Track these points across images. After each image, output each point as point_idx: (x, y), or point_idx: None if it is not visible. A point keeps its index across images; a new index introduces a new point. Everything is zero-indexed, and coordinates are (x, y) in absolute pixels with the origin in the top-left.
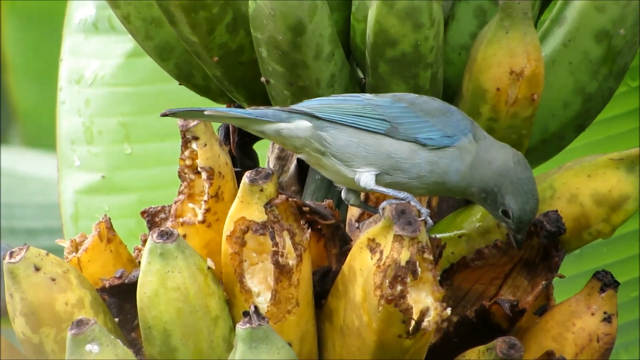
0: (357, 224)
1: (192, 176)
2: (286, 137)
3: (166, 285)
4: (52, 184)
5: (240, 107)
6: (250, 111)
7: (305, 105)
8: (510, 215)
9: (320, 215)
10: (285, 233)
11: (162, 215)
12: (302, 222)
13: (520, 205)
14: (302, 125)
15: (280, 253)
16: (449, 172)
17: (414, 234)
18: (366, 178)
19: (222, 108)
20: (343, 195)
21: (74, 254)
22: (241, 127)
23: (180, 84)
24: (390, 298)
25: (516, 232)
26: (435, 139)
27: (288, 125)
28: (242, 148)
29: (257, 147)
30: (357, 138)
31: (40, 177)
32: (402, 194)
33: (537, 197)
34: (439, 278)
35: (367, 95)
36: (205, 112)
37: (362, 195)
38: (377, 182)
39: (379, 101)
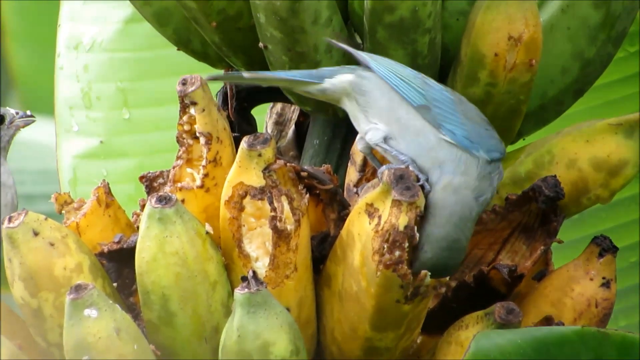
0: (355, 189)
1: (191, 141)
2: (332, 93)
3: (164, 250)
4: (51, 150)
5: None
6: (294, 73)
7: (369, 55)
8: None
9: (318, 180)
10: (283, 198)
11: (161, 180)
12: (300, 187)
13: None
14: (345, 78)
15: (278, 218)
16: (445, 166)
17: (412, 199)
18: (374, 133)
19: (267, 72)
20: (357, 139)
21: (72, 218)
22: (284, 88)
23: (178, 50)
24: (388, 263)
25: None
26: (457, 135)
27: (332, 81)
28: (240, 113)
29: (255, 112)
30: (387, 97)
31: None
32: (402, 157)
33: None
34: None
35: (430, 79)
36: (245, 75)
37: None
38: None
39: (432, 82)
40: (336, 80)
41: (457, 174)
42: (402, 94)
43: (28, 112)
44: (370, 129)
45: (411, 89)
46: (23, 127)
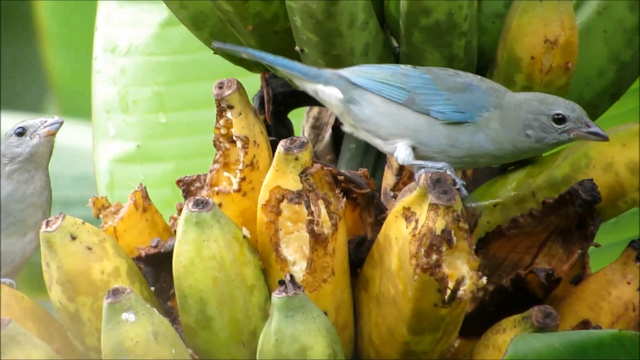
0: (392, 193)
1: (227, 145)
2: (322, 99)
3: (202, 254)
4: (88, 154)
5: (275, 76)
6: (293, 64)
7: (347, 69)
8: (565, 116)
9: (355, 184)
10: (320, 202)
11: (198, 184)
12: (337, 190)
13: (560, 104)
14: (334, 93)
15: (315, 222)
16: (475, 146)
17: (449, 202)
18: (404, 154)
19: (268, 54)
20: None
21: (109, 222)
22: (287, 77)
23: (214, 53)
24: (425, 267)
25: (582, 127)
26: (447, 114)
27: (324, 88)
28: (277, 117)
29: (292, 116)
30: (380, 108)
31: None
32: (439, 164)
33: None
34: (474, 247)
35: (405, 66)
36: (247, 53)
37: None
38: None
39: (408, 71)
40: (327, 90)
41: (493, 133)
42: (387, 96)
43: (55, 118)
44: (396, 152)
45: (393, 88)
46: (52, 133)
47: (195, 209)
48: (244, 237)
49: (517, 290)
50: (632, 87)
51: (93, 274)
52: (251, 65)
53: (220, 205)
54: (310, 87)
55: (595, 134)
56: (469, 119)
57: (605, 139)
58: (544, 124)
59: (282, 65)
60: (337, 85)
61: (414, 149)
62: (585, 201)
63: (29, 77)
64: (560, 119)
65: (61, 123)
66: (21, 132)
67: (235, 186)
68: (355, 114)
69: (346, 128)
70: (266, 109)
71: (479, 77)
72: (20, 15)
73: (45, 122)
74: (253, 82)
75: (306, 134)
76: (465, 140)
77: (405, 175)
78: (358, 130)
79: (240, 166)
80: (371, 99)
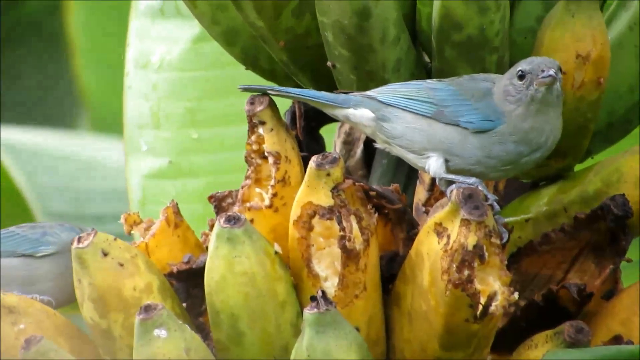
0: (424, 208)
1: (259, 161)
2: (354, 122)
3: (234, 270)
4: (120, 169)
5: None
6: (321, 94)
7: (373, 90)
8: (523, 70)
9: (387, 200)
10: (352, 217)
11: (229, 200)
12: (369, 206)
13: (529, 59)
14: (366, 114)
15: (347, 237)
16: (511, 151)
17: (480, 218)
18: (435, 167)
19: (294, 89)
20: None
21: (141, 238)
22: (317, 107)
23: (246, 69)
24: (457, 282)
25: (539, 75)
26: (475, 122)
27: (355, 112)
28: (308, 132)
29: (323, 131)
30: (411, 124)
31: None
32: (471, 179)
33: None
34: (506, 262)
35: (431, 80)
36: (274, 90)
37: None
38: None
39: (435, 84)
40: (358, 113)
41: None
42: (416, 112)
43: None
44: (428, 165)
45: (420, 103)
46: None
47: (227, 225)
48: (276, 253)
49: (549, 305)
50: None
51: (125, 291)
52: (282, 81)
53: (252, 221)
54: (340, 114)
55: (545, 77)
56: (497, 126)
57: (552, 78)
58: (514, 85)
59: (310, 96)
60: (367, 106)
61: (447, 161)
62: (617, 216)
63: (61, 93)
64: (521, 76)
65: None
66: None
67: (267, 202)
68: (388, 131)
69: (379, 145)
70: (298, 125)
71: (492, 76)
72: (52, 30)
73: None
74: (285, 98)
75: (338, 150)
76: (499, 149)
77: (437, 190)
78: (392, 146)
79: (272, 182)
80: (401, 115)
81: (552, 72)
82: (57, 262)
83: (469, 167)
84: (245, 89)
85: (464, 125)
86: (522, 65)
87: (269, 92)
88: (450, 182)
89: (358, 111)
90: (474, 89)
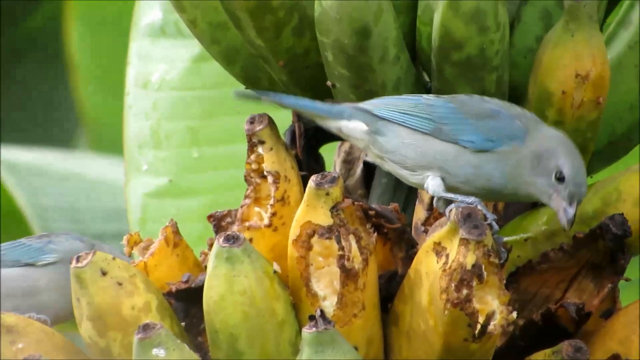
0: (423, 228)
1: (258, 180)
2: (347, 135)
3: (233, 289)
4: (120, 188)
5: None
6: (314, 104)
7: (368, 102)
8: (564, 176)
9: (386, 219)
10: (351, 237)
11: (229, 220)
12: (368, 225)
13: (573, 165)
14: (359, 127)
15: (346, 257)
16: (493, 177)
17: (479, 237)
18: (434, 185)
19: (288, 96)
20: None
21: (139, 257)
22: (310, 118)
23: (246, 88)
24: (456, 302)
25: (569, 200)
26: (476, 142)
27: (348, 124)
28: (308, 152)
29: (323, 150)
30: (406, 139)
31: (108, 181)
32: (470, 199)
33: (585, 172)
34: (504, 281)
35: (428, 96)
36: (263, 97)
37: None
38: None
39: (434, 101)
40: (351, 125)
41: (509, 167)
42: (413, 127)
43: None
44: (427, 184)
45: (417, 119)
46: None
47: (226, 244)
48: (275, 272)
49: (547, 324)
50: None
51: (123, 310)
52: None
53: (251, 240)
54: (333, 125)
55: (566, 215)
56: (497, 147)
57: (569, 224)
58: (547, 178)
59: (303, 106)
60: (361, 119)
61: (442, 179)
62: (616, 235)
63: (61, 112)
64: (559, 175)
65: None
66: None
67: (266, 221)
68: (382, 144)
69: (370, 158)
70: (297, 144)
71: (507, 103)
72: (52, 50)
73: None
74: (284, 117)
75: (337, 169)
76: (490, 168)
77: (436, 210)
78: (384, 161)
79: (272, 201)
80: (397, 130)
81: (570, 211)
82: (59, 271)
83: (458, 185)
84: (240, 95)
85: (462, 143)
86: (568, 170)
87: (263, 98)
88: (448, 202)
89: (351, 123)
90: (477, 108)
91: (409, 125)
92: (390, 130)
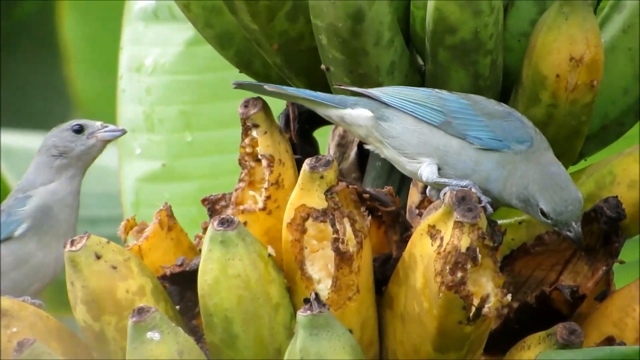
0: (417, 211)
1: (253, 164)
2: (349, 123)
3: (227, 272)
4: (113, 173)
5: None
6: (317, 94)
7: (377, 89)
8: (546, 214)
9: (380, 202)
10: (345, 220)
11: (223, 203)
12: (362, 209)
13: (549, 200)
14: (363, 114)
15: (340, 240)
16: (490, 177)
17: (474, 220)
18: (426, 170)
19: (290, 87)
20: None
21: (134, 241)
22: (312, 107)
23: (240, 72)
24: (450, 284)
25: (564, 229)
26: (484, 139)
27: (351, 112)
28: (302, 135)
29: (317, 134)
30: (412, 127)
31: (102, 166)
32: (464, 182)
33: (571, 190)
34: (499, 264)
35: (441, 90)
36: (268, 88)
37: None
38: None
39: (445, 95)
40: (355, 113)
41: (505, 173)
42: (421, 117)
43: (118, 127)
44: (420, 170)
45: (428, 110)
46: (108, 140)
47: (221, 228)
48: (269, 255)
49: (541, 307)
50: None
51: (118, 293)
52: (276, 84)
53: (245, 223)
54: (335, 114)
55: (571, 238)
56: (504, 148)
57: (578, 245)
58: (530, 201)
59: (306, 96)
60: (366, 106)
61: (439, 169)
62: (610, 218)
63: (54, 97)
64: (542, 212)
65: (123, 132)
66: (78, 130)
67: (260, 205)
68: (385, 129)
69: (370, 146)
70: (292, 128)
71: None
72: (45, 35)
73: (107, 127)
74: (278, 101)
75: (332, 152)
76: (488, 167)
77: None
78: (384, 146)
79: (266, 185)
80: (404, 118)
81: (571, 235)
82: (38, 229)
83: (455, 177)
84: (240, 85)
85: (470, 139)
86: (553, 205)
87: (265, 88)
88: (439, 189)
89: (355, 111)
90: (490, 108)
91: (417, 115)
92: (396, 117)
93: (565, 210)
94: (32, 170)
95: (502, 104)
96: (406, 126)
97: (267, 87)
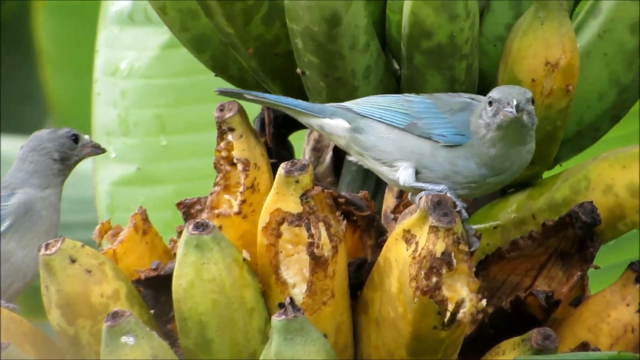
0: (392, 215)
1: (228, 167)
2: (329, 133)
3: (202, 276)
4: (88, 178)
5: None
6: (298, 102)
7: (352, 101)
8: (492, 98)
9: (355, 207)
10: (320, 224)
11: (198, 207)
12: (337, 213)
13: (497, 89)
14: (341, 124)
15: (315, 244)
16: (471, 169)
17: (449, 225)
18: (405, 175)
19: (271, 95)
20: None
21: (109, 245)
22: (292, 115)
23: (216, 76)
24: (425, 289)
25: (506, 107)
26: (447, 136)
27: (330, 121)
28: (277, 139)
29: (293, 138)
30: (385, 134)
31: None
32: (439, 187)
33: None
34: (474, 269)
35: (410, 94)
36: (249, 96)
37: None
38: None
39: (413, 97)
40: (333, 122)
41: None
42: (389, 122)
43: (100, 145)
44: (398, 174)
45: (394, 114)
46: (90, 155)
47: (196, 232)
48: (244, 259)
49: (516, 312)
50: (632, 110)
51: (92, 297)
52: (252, 88)
53: (220, 227)
54: (315, 123)
55: (508, 111)
56: (467, 140)
57: (512, 115)
58: (485, 110)
59: (286, 103)
60: (343, 117)
61: (418, 173)
62: (585, 223)
63: (29, 100)
64: (490, 102)
65: (103, 151)
66: (75, 140)
67: (235, 209)
68: (361, 141)
69: (353, 158)
70: (267, 132)
71: (480, 97)
72: (20, 38)
73: (92, 143)
74: (254, 105)
75: (307, 157)
76: (463, 165)
77: (405, 198)
78: (365, 158)
79: (241, 189)
80: (375, 126)
81: (511, 109)
82: (20, 227)
83: (438, 180)
84: (222, 92)
85: (436, 138)
86: (493, 92)
87: (245, 96)
88: (418, 191)
89: (333, 121)
90: (452, 103)
91: (385, 121)
92: (369, 127)
93: (504, 90)
94: (24, 168)
95: (463, 94)
96: (380, 135)
97: (249, 95)
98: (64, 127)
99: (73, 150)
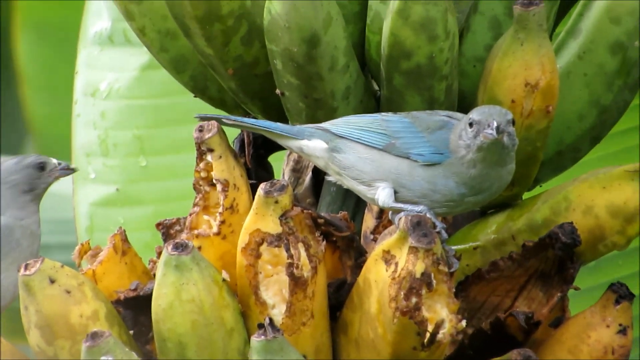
0: (372, 236)
1: (207, 188)
2: (308, 154)
3: (181, 297)
4: (67, 199)
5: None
6: (276, 125)
7: (329, 122)
8: (472, 120)
9: (335, 227)
10: (300, 245)
11: (177, 228)
12: (317, 234)
13: (477, 110)
14: (319, 145)
15: (295, 265)
16: (451, 187)
17: (429, 245)
18: (384, 196)
19: (249, 119)
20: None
21: (88, 266)
22: (272, 138)
23: (195, 97)
24: (405, 310)
25: (486, 129)
26: (425, 155)
27: (308, 143)
28: (257, 160)
29: (272, 159)
30: (363, 154)
31: (55, 192)
32: (419, 207)
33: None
34: (454, 290)
35: (388, 113)
36: (227, 121)
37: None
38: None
39: (391, 116)
40: (312, 144)
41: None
42: (367, 143)
43: (71, 165)
44: (377, 194)
45: (373, 134)
46: (61, 177)
47: (175, 252)
48: (224, 280)
49: (496, 333)
50: (612, 131)
51: (72, 318)
52: (231, 109)
53: (199, 248)
54: (294, 145)
55: (488, 133)
56: (446, 159)
57: (492, 137)
58: (465, 131)
59: (265, 127)
60: (321, 137)
61: (396, 193)
62: (565, 244)
63: (8, 121)
64: (470, 124)
65: (75, 171)
66: (42, 167)
67: (215, 229)
68: (339, 161)
69: (332, 178)
70: (246, 152)
71: (458, 114)
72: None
73: (61, 164)
74: None
75: (286, 177)
76: (442, 184)
77: (385, 218)
78: (343, 177)
79: (220, 209)
80: (353, 147)
81: (491, 130)
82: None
83: (416, 199)
84: (202, 118)
85: (414, 157)
86: (474, 113)
87: (224, 121)
88: (398, 212)
89: (312, 142)
90: (429, 121)
91: (364, 142)
92: (347, 147)
93: (484, 111)
94: None
95: (440, 112)
96: (358, 155)
97: (228, 120)
98: (30, 155)
99: (40, 178)
